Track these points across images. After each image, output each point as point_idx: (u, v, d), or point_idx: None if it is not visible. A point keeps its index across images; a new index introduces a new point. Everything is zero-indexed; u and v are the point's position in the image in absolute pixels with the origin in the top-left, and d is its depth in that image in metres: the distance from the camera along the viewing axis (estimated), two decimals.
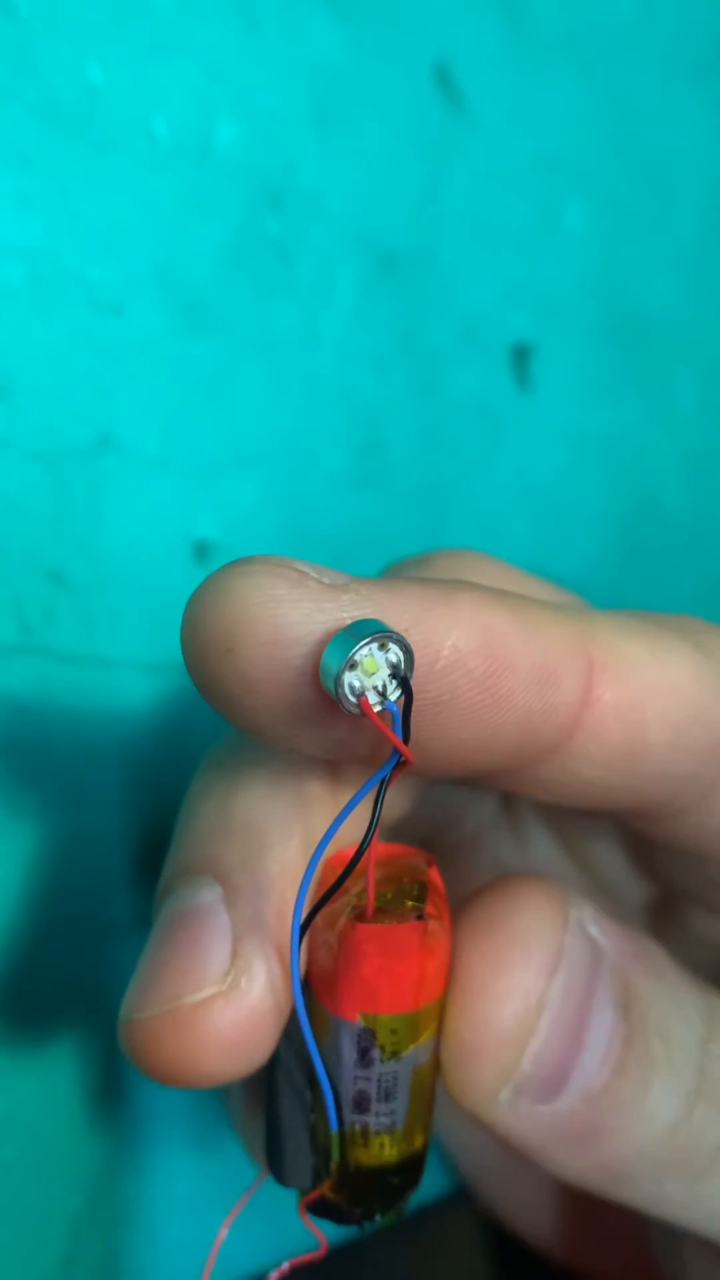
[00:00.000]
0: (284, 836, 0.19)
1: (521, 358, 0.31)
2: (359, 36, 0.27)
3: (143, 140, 0.24)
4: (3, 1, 0.21)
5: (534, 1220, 0.28)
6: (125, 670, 0.25)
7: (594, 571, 0.34)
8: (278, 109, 0.26)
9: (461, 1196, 0.30)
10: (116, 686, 0.24)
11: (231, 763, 0.20)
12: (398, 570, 0.21)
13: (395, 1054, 0.18)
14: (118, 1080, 0.26)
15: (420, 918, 0.18)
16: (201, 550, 0.25)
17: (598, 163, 0.32)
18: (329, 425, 0.27)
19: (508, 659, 0.16)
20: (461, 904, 0.19)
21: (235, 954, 0.18)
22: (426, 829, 0.24)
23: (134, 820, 0.25)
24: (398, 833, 0.22)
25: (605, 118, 0.32)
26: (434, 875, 0.19)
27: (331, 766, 0.20)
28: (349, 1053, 0.18)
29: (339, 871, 0.18)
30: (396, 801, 0.21)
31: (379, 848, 0.19)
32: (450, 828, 0.24)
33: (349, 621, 0.15)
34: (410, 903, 0.18)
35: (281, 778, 0.19)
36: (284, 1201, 0.20)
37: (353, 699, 0.15)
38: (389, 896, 0.18)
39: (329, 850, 0.19)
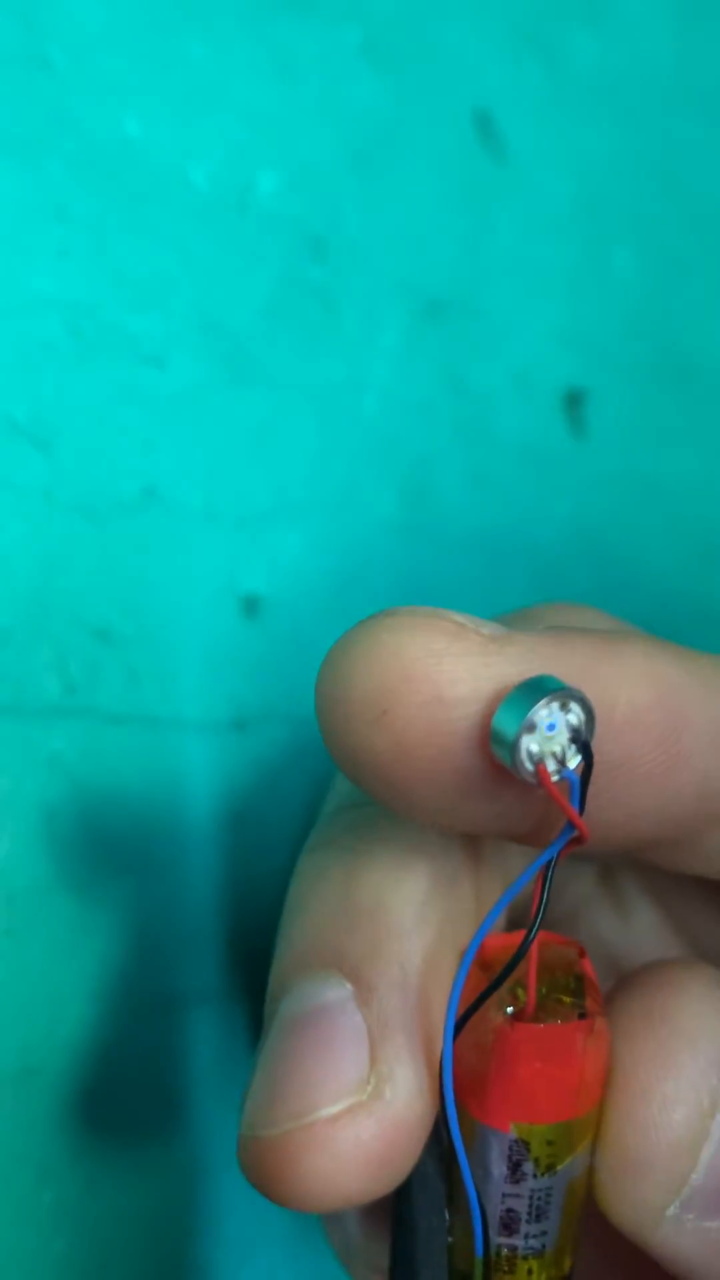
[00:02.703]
0: (419, 922, 0.17)
1: (575, 403, 0.30)
2: (397, 84, 0.26)
3: (182, 191, 0.23)
4: (39, 55, 0.21)
5: None
6: (175, 730, 0.24)
7: (659, 623, 0.33)
8: (318, 157, 0.25)
9: None
10: (166, 747, 0.24)
11: (348, 840, 0.18)
12: (515, 624, 0.20)
13: (550, 1168, 0.16)
14: (185, 1164, 0.24)
15: (582, 1016, 0.16)
16: (250, 605, 0.25)
17: (644, 205, 0.32)
18: (377, 474, 0.27)
19: (685, 714, 0.15)
20: (609, 995, 0.18)
21: (374, 1059, 0.16)
22: (523, 907, 0.22)
23: (188, 886, 0.24)
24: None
25: (649, 160, 0.32)
26: (587, 967, 0.17)
27: (471, 841, 0.18)
28: (498, 1166, 0.16)
29: (487, 962, 0.16)
30: (495, 879, 0.19)
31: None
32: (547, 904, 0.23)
33: (517, 679, 0.14)
34: (567, 998, 0.16)
35: (412, 856, 0.17)
36: None
37: (530, 767, 0.14)
38: (543, 992, 0.16)
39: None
